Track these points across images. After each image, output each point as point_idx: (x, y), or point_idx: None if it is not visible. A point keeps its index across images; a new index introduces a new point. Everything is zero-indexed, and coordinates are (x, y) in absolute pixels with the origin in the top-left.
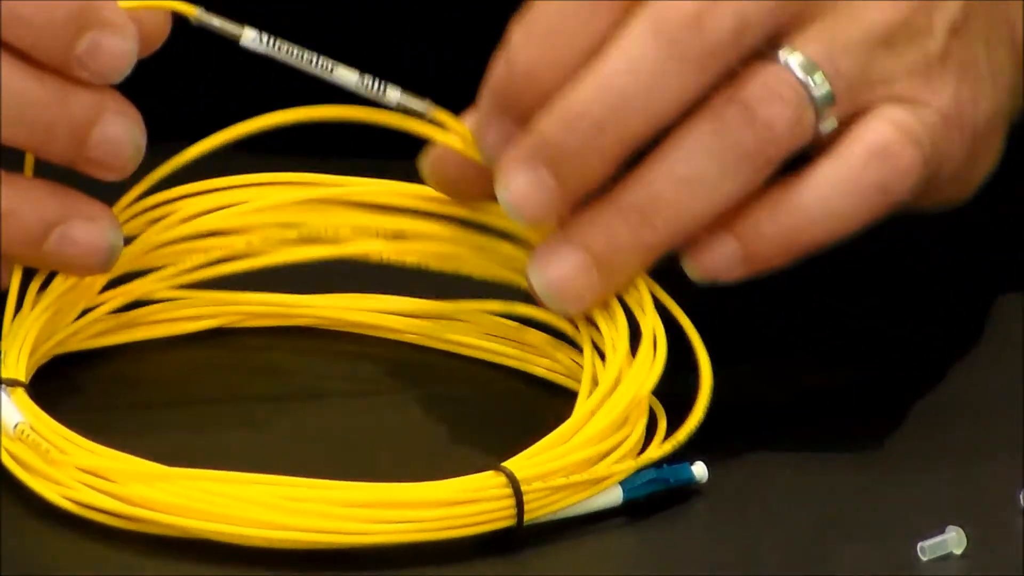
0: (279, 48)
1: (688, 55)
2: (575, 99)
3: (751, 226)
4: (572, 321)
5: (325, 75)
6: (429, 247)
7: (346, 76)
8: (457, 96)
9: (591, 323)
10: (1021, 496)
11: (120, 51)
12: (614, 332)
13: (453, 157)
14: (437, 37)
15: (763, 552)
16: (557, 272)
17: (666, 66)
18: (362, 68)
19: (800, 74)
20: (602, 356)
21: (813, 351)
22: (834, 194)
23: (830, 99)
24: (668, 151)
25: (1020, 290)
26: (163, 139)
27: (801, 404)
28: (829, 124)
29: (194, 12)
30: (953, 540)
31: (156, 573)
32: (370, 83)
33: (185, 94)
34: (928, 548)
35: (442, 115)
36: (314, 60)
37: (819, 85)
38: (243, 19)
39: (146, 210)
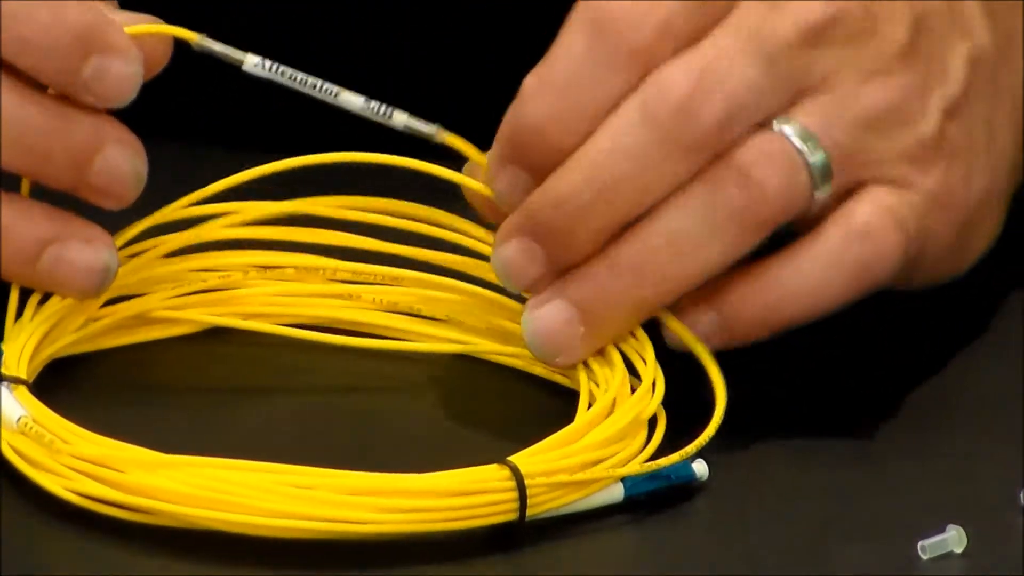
0: (282, 73)
1: (678, 142)
2: (564, 180)
3: (731, 299)
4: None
5: (329, 99)
6: (422, 293)
7: (351, 100)
8: (466, 121)
9: (586, 366)
10: (1022, 495)
11: (126, 75)
12: (608, 374)
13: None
14: (442, 61)
15: (763, 550)
16: (544, 323)
17: (655, 152)
18: (368, 92)
19: (796, 141)
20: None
21: (814, 350)
22: (815, 271)
23: (826, 167)
24: (662, 212)
25: (1020, 288)
26: (160, 138)
27: (801, 402)
28: (824, 193)
29: (195, 38)
30: (954, 539)
31: (159, 569)
32: (376, 107)
33: (183, 93)
34: (929, 547)
35: (453, 139)
36: (318, 85)
37: (814, 152)
38: (250, 44)
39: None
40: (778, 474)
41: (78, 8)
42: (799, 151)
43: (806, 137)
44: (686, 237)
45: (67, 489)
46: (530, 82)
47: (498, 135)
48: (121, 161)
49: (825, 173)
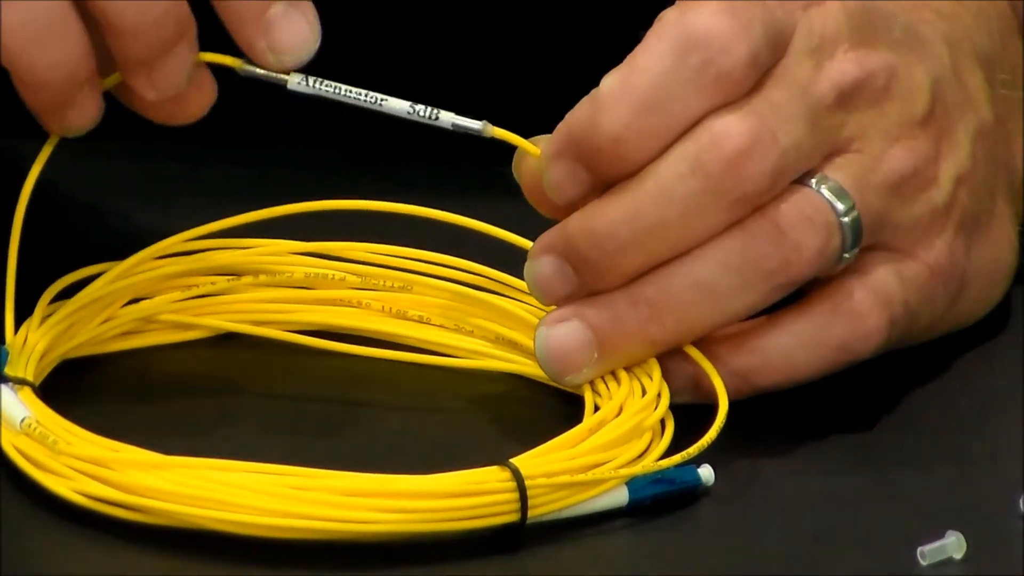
0: (325, 88)
1: (725, 195)
2: (605, 217)
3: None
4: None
5: (375, 107)
6: (433, 301)
7: (397, 106)
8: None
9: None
10: (1021, 501)
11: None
12: (614, 386)
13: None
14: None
15: (765, 556)
16: (558, 342)
17: (700, 203)
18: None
19: (835, 203)
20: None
21: None
22: (796, 345)
23: (858, 232)
24: (693, 257)
25: (1020, 287)
26: (156, 138)
27: (804, 409)
28: (851, 255)
29: (238, 64)
30: (953, 545)
31: (161, 570)
32: (421, 110)
33: None
34: (928, 553)
35: (500, 132)
36: (362, 95)
37: (849, 215)
38: None
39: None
40: (779, 480)
41: None
42: (836, 214)
43: (842, 198)
44: (713, 286)
45: (70, 489)
46: (610, 87)
47: (563, 129)
48: (309, 20)
49: (857, 238)
